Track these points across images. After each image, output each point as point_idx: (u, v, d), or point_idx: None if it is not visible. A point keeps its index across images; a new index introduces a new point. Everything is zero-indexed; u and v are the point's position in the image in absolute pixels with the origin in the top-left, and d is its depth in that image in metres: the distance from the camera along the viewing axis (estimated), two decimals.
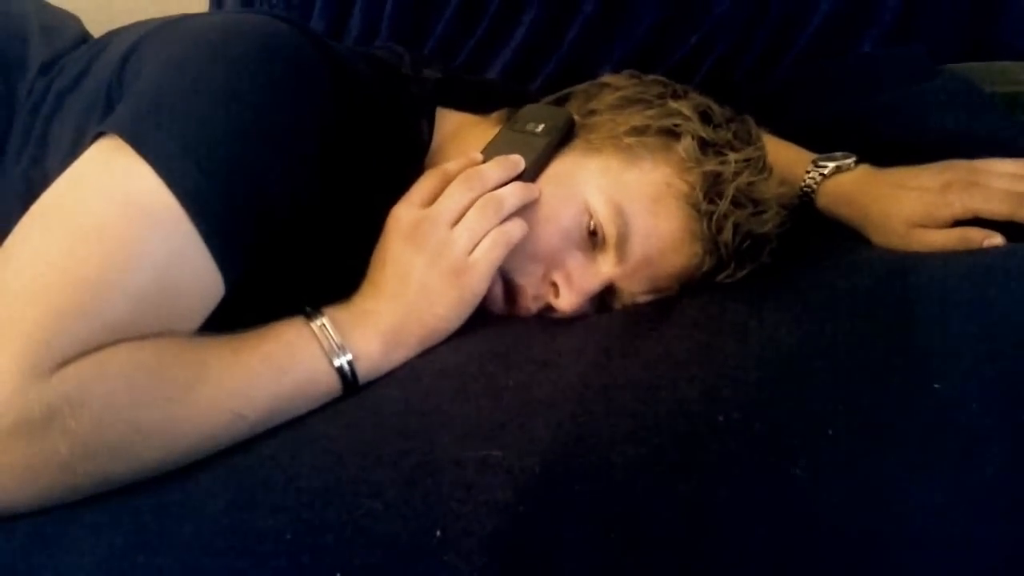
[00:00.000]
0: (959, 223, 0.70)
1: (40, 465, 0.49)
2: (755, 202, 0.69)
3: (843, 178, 0.79)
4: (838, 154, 0.81)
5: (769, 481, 0.50)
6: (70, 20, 0.85)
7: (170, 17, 0.71)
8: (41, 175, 0.65)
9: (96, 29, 0.85)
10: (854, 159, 0.80)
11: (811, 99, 1.00)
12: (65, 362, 0.50)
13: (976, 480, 0.49)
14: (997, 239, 0.68)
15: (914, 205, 0.72)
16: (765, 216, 0.70)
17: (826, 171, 0.79)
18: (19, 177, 0.68)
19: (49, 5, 0.86)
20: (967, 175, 0.71)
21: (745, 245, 0.69)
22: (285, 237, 0.61)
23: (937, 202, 0.71)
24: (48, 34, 0.78)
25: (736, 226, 0.68)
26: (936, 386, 0.53)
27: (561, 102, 0.77)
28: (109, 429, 0.51)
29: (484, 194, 0.66)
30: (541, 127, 0.71)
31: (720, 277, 0.70)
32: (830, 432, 0.52)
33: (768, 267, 0.72)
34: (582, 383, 0.57)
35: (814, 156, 0.82)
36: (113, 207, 0.54)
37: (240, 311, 0.59)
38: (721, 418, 0.53)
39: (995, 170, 0.71)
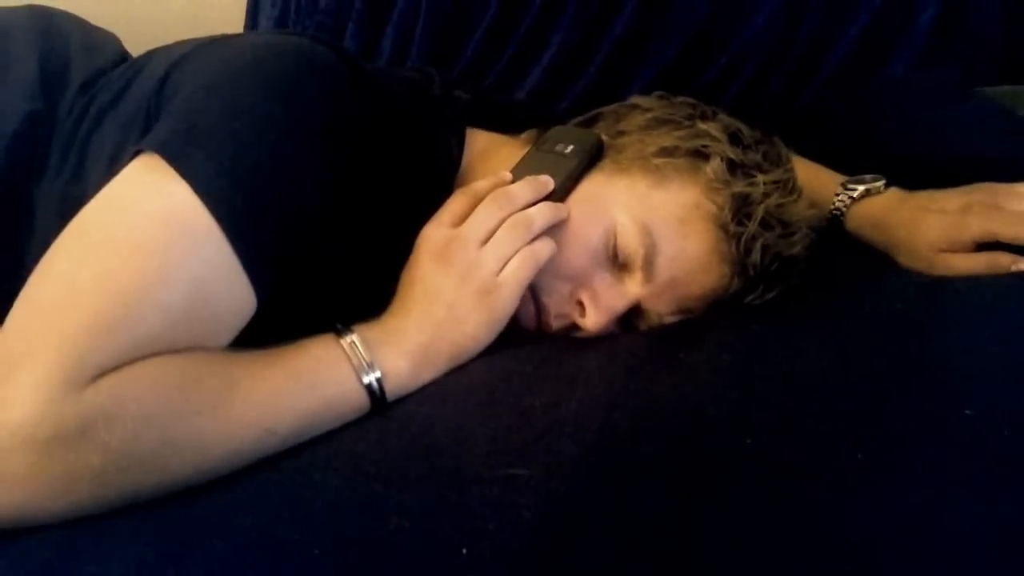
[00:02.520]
0: (987, 246, 0.69)
1: (73, 476, 0.50)
2: (784, 224, 0.69)
3: (872, 202, 0.78)
4: (868, 176, 0.81)
5: (797, 505, 0.50)
6: (109, 39, 0.87)
7: (208, 38, 0.73)
8: (79, 191, 0.66)
9: (133, 47, 0.86)
10: (883, 182, 0.79)
11: (841, 121, 1.00)
12: (99, 375, 0.51)
13: (1006, 507, 0.48)
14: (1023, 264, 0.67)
15: (936, 229, 0.72)
16: (794, 238, 0.70)
17: (855, 194, 0.79)
18: (58, 193, 0.69)
19: (89, 24, 0.87)
20: (988, 197, 0.71)
21: (774, 267, 0.69)
22: (317, 255, 0.62)
23: (957, 225, 0.71)
24: (88, 53, 0.79)
25: (765, 248, 0.68)
26: (967, 412, 0.53)
27: (590, 123, 0.78)
28: (141, 442, 0.51)
29: (513, 214, 0.66)
30: (570, 148, 0.72)
31: (749, 299, 0.70)
32: (859, 456, 0.51)
33: (797, 289, 0.71)
34: (608, 403, 0.57)
35: (843, 179, 0.81)
36: (149, 224, 0.55)
37: (271, 327, 0.59)
38: (749, 441, 0.53)
39: (1019, 192, 0.70)
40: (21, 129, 0.70)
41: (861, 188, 0.79)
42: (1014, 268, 0.67)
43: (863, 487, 0.50)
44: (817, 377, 0.59)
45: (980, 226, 0.69)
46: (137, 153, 0.59)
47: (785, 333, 0.65)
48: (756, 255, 0.68)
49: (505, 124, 0.80)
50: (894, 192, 0.78)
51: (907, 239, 0.74)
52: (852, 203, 0.79)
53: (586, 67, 1.11)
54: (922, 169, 0.80)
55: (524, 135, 0.78)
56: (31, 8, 0.84)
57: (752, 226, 0.67)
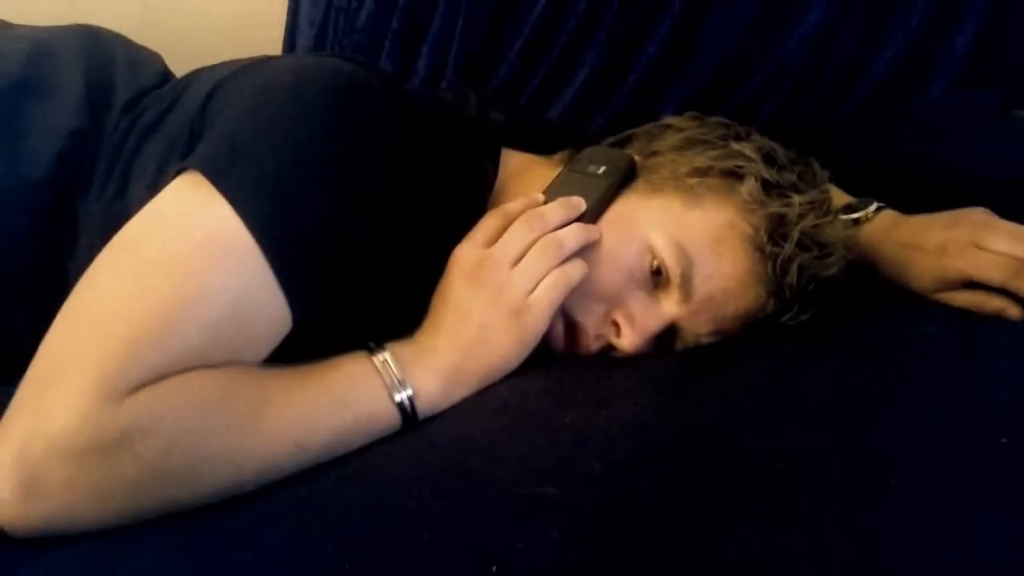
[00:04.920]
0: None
1: (109, 487, 0.51)
2: (820, 245, 0.69)
3: (862, 231, 0.77)
4: (856, 203, 0.80)
5: (829, 531, 0.49)
6: (153, 58, 0.88)
7: (250, 59, 0.74)
8: (123, 208, 0.67)
9: (176, 66, 0.88)
10: (873, 207, 0.78)
11: (875, 142, 0.99)
12: (137, 388, 0.52)
13: None
14: (1013, 311, 0.66)
15: (919, 272, 0.72)
16: (830, 259, 0.69)
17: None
18: (102, 209, 0.70)
19: (134, 43, 0.89)
20: (967, 235, 0.70)
21: (810, 288, 0.68)
22: (352, 273, 0.63)
23: (936, 267, 0.70)
24: (133, 72, 0.81)
25: (801, 269, 0.67)
26: (1003, 440, 0.52)
27: (622, 144, 0.78)
28: (176, 455, 0.52)
29: (545, 235, 0.66)
30: (602, 169, 0.72)
31: (783, 319, 0.69)
32: (893, 483, 0.51)
33: (831, 310, 0.71)
34: (638, 424, 0.57)
35: (839, 204, 0.80)
36: (190, 241, 0.56)
37: (305, 343, 0.60)
38: (780, 465, 0.53)
39: (1001, 228, 0.69)
40: (67, 146, 0.72)
41: (848, 219, 0.78)
42: (1004, 315, 0.66)
43: (897, 514, 0.49)
44: (851, 401, 0.59)
45: (956, 269, 0.69)
46: (180, 171, 0.60)
47: (819, 356, 0.64)
48: (792, 276, 0.67)
49: (538, 144, 0.80)
50: (882, 220, 0.78)
51: (898, 278, 0.74)
52: None
53: (619, 87, 1.11)
54: (956, 191, 0.79)
55: (557, 155, 0.79)
56: (78, 27, 0.86)
57: (788, 247, 0.67)
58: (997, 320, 0.67)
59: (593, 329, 0.69)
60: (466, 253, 0.66)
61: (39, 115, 0.73)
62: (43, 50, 0.79)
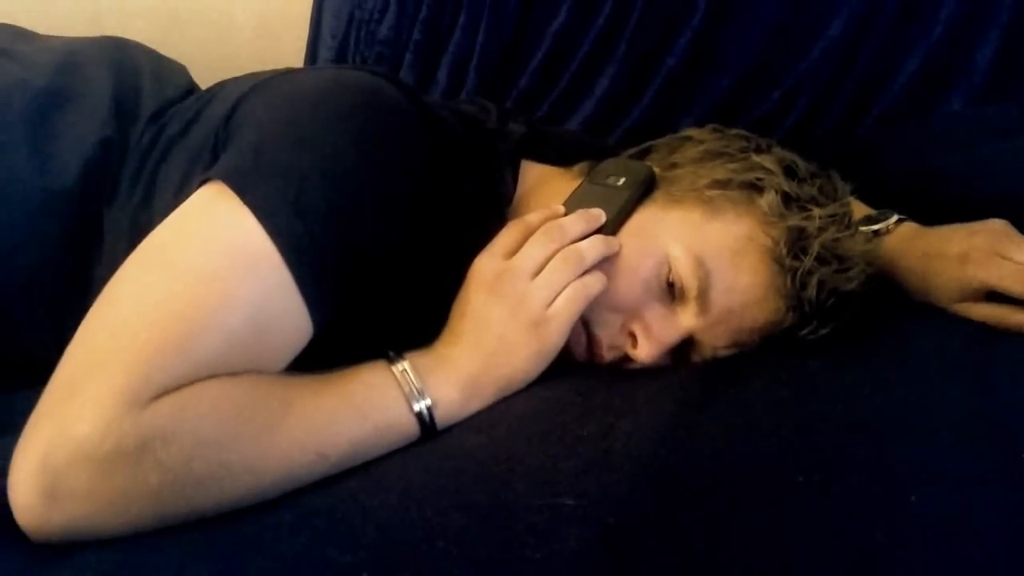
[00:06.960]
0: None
1: (131, 494, 0.51)
2: (840, 259, 0.68)
3: (883, 243, 0.77)
4: (876, 214, 0.79)
5: (848, 546, 0.49)
6: (179, 70, 0.89)
7: (274, 71, 0.75)
8: (148, 217, 0.69)
9: (200, 78, 0.89)
10: (894, 219, 0.78)
11: (895, 155, 0.99)
12: (160, 395, 0.52)
13: None
14: None
15: (941, 281, 0.71)
16: (850, 273, 0.69)
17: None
18: (127, 218, 0.71)
19: (160, 55, 0.90)
20: (990, 243, 0.69)
21: (829, 302, 0.68)
22: (373, 283, 0.63)
23: (958, 275, 0.70)
24: (159, 83, 0.82)
25: (821, 283, 0.67)
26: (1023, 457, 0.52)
27: (642, 155, 0.78)
28: (197, 463, 0.52)
29: (565, 247, 0.67)
30: (622, 180, 0.72)
31: (802, 333, 0.69)
32: (913, 499, 0.50)
33: (851, 324, 0.70)
34: (657, 436, 0.57)
35: (860, 216, 0.79)
36: (214, 250, 0.57)
37: (326, 352, 0.60)
38: (800, 479, 0.52)
39: (1022, 240, 0.69)
40: (94, 155, 0.73)
41: (868, 231, 0.77)
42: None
43: (917, 529, 0.49)
44: (871, 416, 0.58)
45: (978, 278, 0.68)
46: (204, 182, 0.61)
47: (838, 369, 0.64)
48: (811, 290, 0.67)
49: (558, 156, 0.81)
50: (904, 231, 0.77)
51: (919, 289, 0.74)
52: None
53: (639, 99, 1.11)
54: (976, 203, 0.79)
55: (576, 167, 0.79)
56: (105, 39, 0.87)
57: (808, 261, 0.67)
58: (1017, 336, 0.66)
59: (608, 340, 0.69)
60: (486, 264, 0.66)
61: (67, 125, 0.75)
62: (71, 61, 0.80)
